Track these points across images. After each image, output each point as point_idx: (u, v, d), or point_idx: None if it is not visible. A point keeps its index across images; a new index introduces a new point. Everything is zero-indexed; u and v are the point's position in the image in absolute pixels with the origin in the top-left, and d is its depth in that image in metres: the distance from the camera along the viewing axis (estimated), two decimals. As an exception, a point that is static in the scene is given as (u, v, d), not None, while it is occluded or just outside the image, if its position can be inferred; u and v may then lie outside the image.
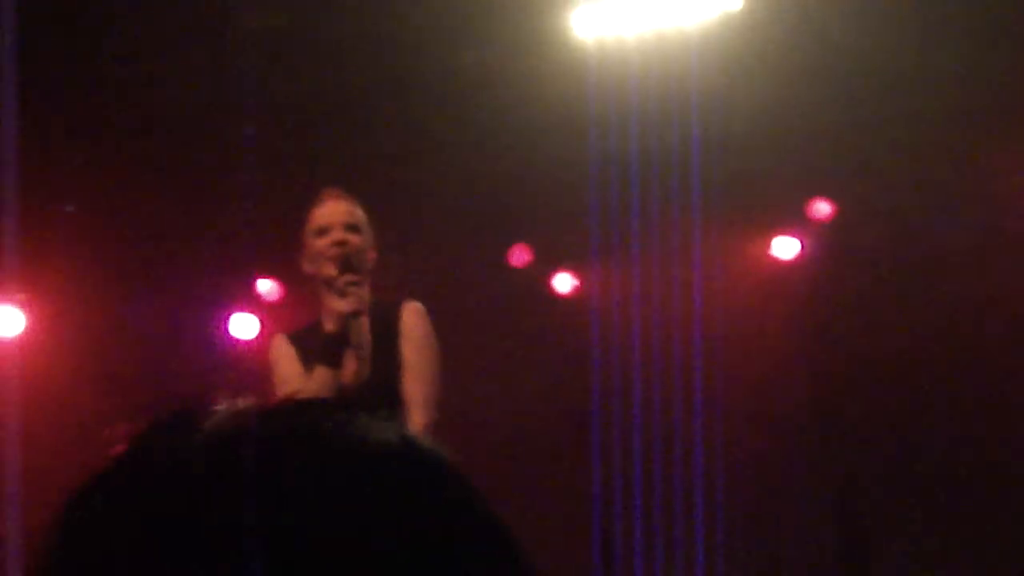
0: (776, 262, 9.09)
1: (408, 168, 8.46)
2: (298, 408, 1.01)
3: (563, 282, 9.30)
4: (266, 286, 8.99)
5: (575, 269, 9.23)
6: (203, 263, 8.54)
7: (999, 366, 8.46)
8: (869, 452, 8.79)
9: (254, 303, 8.95)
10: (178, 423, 0.99)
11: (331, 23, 7.60)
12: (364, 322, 5.13)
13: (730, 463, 8.49)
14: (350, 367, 5.12)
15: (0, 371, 8.16)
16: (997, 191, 8.46)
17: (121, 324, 8.58)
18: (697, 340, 8.45)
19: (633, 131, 7.75)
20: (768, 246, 9.07)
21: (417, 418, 5.13)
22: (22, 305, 8.42)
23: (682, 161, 7.96)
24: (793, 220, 8.98)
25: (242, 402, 1.01)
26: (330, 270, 5.13)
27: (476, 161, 8.60)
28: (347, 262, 5.12)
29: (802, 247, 9.03)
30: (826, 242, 8.93)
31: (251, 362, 8.23)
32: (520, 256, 9.21)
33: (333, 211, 5.28)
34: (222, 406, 1.00)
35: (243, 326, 8.92)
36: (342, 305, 5.05)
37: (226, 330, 8.86)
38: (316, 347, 5.12)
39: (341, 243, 5.18)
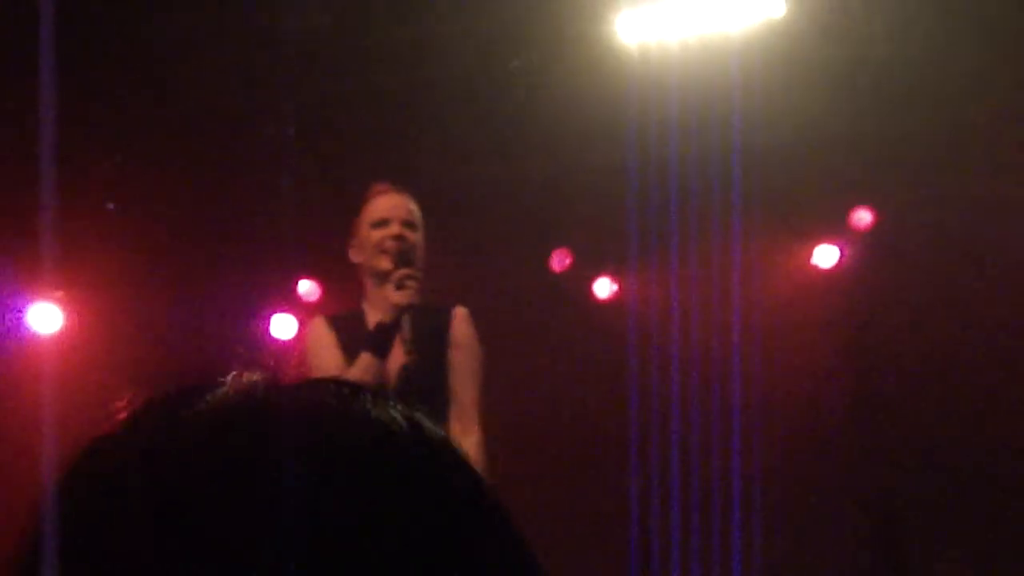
0: (817, 270, 9.04)
1: (449, 172, 8.45)
2: (302, 386, 0.99)
3: (603, 287, 9.27)
4: (306, 287, 8.99)
5: (615, 274, 9.20)
6: (242, 263, 8.54)
7: (1050, 378, 8.33)
8: (912, 468, 8.64)
9: (294, 304, 8.95)
10: (178, 397, 0.97)
11: (373, 26, 7.59)
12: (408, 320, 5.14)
13: (768, 473, 8.41)
14: (396, 360, 5.11)
15: (38, 369, 8.18)
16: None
17: (159, 323, 8.58)
18: (737, 347, 8.40)
19: (675, 137, 7.71)
20: (809, 254, 9.02)
21: (468, 422, 5.14)
22: (60, 303, 8.43)
23: (723, 168, 7.92)
24: (834, 228, 8.93)
25: (247, 377, 0.99)
26: (385, 263, 5.14)
27: (518, 165, 8.59)
28: (404, 256, 5.13)
29: (842, 255, 8.98)
30: (867, 251, 8.88)
31: (290, 362, 8.23)
32: (561, 261, 9.19)
33: (393, 205, 5.30)
34: (227, 381, 0.99)
35: (283, 326, 8.92)
36: (398, 297, 5.06)
37: (266, 330, 8.87)
38: (358, 334, 5.12)
39: (399, 238, 5.20)
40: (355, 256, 5.32)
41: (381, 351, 5.07)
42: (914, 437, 8.63)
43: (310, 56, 7.54)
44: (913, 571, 8.58)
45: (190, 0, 7.36)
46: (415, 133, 8.21)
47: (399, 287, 5.06)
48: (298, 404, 0.96)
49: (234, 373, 1.00)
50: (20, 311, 8.38)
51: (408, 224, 5.26)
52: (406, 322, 5.10)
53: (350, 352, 5.12)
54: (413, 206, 5.34)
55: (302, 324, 8.81)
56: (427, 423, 0.98)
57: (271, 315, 8.88)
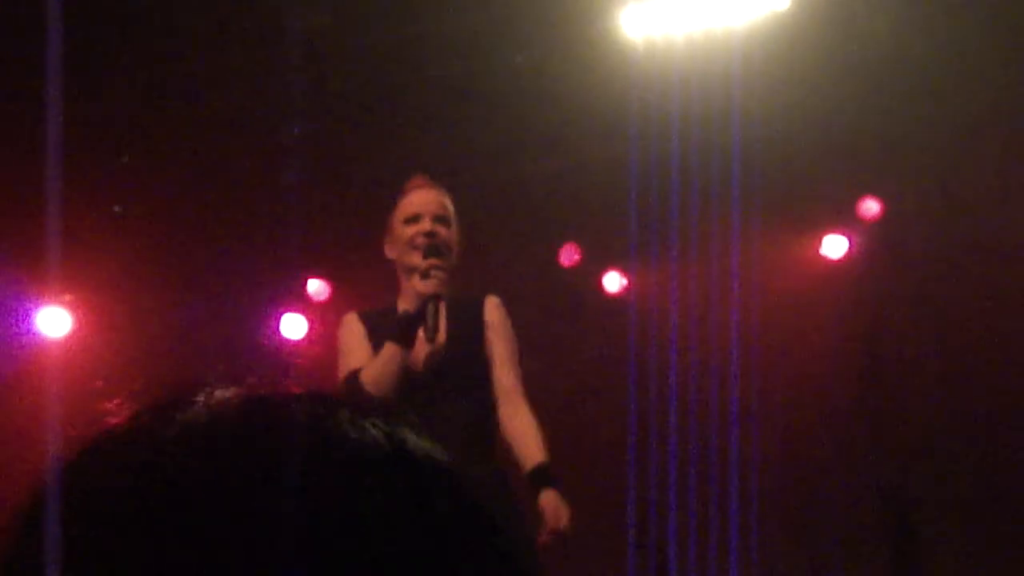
0: (825, 261, 9.02)
1: (457, 168, 8.44)
2: (275, 403, 0.96)
3: (612, 281, 9.26)
4: (315, 286, 8.98)
5: (625, 268, 9.19)
6: (251, 264, 8.54)
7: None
8: (922, 461, 8.60)
9: (304, 303, 8.94)
10: (160, 410, 0.97)
11: (380, 24, 7.59)
12: (442, 310, 5.13)
13: (769, 464, 8.39)
14: (421, 350, 5.11)
15: (47, 373, 8.18)
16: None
17: (168, 326, 8.58)
18: (745, 339, 8.38)
19: (684, 130, 7.71)
20: (817, 245, 9.01)
21: (516, 404, 5.18)
22: (68, 307, 8.43)
23: (730, 160, 7.91)
24: (842, 219, 8.91)
25: (219, 395, 0.97)
26: (415, 259, 5.16)
27: (526, 160, 8.58)
28: (434, 251, 5.14)
29: (851, 246, 8.97)
30: (875, 241, 8.86)
31: (299, 363, 8.23)
32: (570, 256, 9.18)
33: (425, 200, 5.31)
34: (203, 394, 0.97)
35: (293, 326, 8.92)
36: (423, 286, 5.06)
37: (276, 331, 8.86)
38: (389, 327, 5.12)
39: (430, 234, 5.21)
40: (389, 252, 5.34)
41: (403, 341, 5.07)
42: (923, 428, 8.61)
43: (320, 55, 7.54)
44: (922, 565, 8.54)
45: (195, 1, 7.36)
46: (421, 131, 8.21)
47: (424, 276, 5.07)
48: (268, 423, 0.94)
49: (206, 390, 0.97)
50: (28, 315, 8.37)
51: (440, 219, 5.27)
52: (433, 312, 5.08)
53: (380, 346, 5.12)
54: (446, 200, 5.35)
55: (312, 324, 8.82)
56: (411, 438, 0.95)
57: (281, 315, 8.88)
